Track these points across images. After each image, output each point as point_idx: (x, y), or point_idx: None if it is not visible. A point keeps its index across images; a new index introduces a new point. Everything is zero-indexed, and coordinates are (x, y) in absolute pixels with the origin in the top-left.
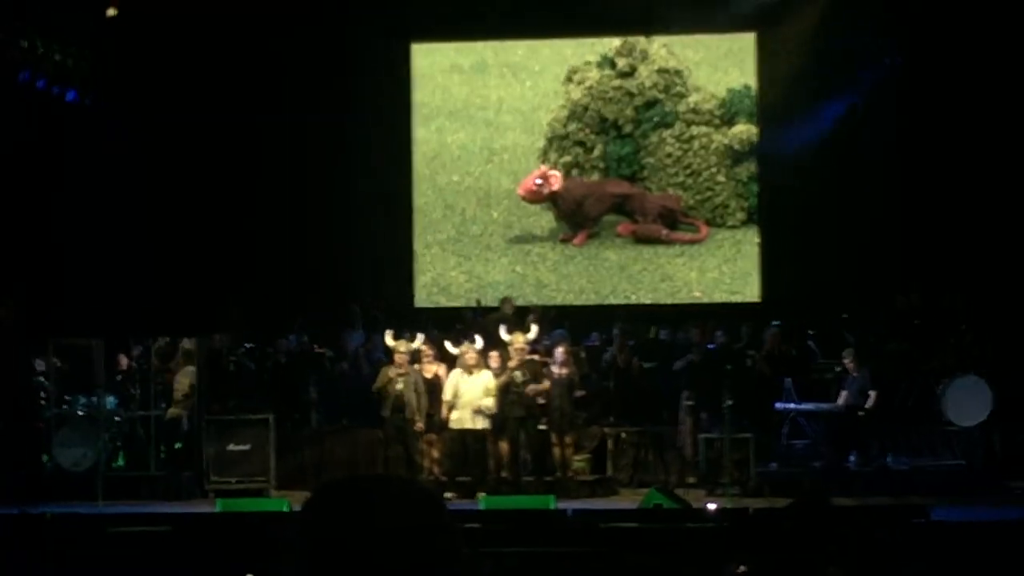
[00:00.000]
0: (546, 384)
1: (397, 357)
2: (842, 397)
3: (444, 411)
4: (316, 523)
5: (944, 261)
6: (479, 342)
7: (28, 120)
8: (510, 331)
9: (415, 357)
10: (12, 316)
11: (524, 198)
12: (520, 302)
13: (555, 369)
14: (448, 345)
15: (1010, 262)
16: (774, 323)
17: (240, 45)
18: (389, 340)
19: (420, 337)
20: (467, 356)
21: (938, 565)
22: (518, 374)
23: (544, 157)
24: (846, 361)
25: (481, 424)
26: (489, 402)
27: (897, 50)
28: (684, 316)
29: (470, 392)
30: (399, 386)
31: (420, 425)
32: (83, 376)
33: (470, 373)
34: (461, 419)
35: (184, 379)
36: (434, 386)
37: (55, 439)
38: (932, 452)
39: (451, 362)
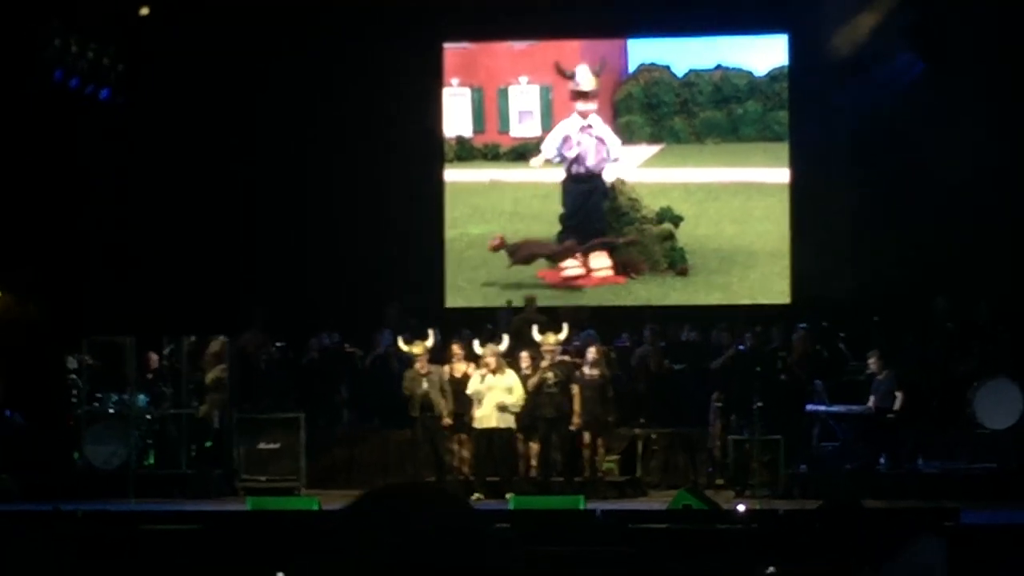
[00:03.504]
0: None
1: (417, 358)
2: (871, 400)
3: (470, 411)
4: (357, 527)
5: (977, 264)
6: (505, 343)
7: (61, 119)
8: (542, 331)
9: (441, 357)
10: (38, 314)
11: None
12: (551, 303)
13: (586, 370)
14: (476, 345)
15: None
16: (800, 325)
17: (274, 44)
18: (402, 345)
19: (432, 335)
20: (486, 357)
21: (968, 569)
22: (550, 375)
23: None
24: (871, 362)
25: (505, 423)
26: (512, 400)
27: (927, 56)
28: (714, 317)
29: (491, 392)
30: (424, 386)
31: (447, 421)
32: (114, 374)
33: (492, 373)
34: (485, 418)
35: (215, 377)
36: (463, 386)
37: (86, 437)
38: (963, 455)
39: (479, 362)
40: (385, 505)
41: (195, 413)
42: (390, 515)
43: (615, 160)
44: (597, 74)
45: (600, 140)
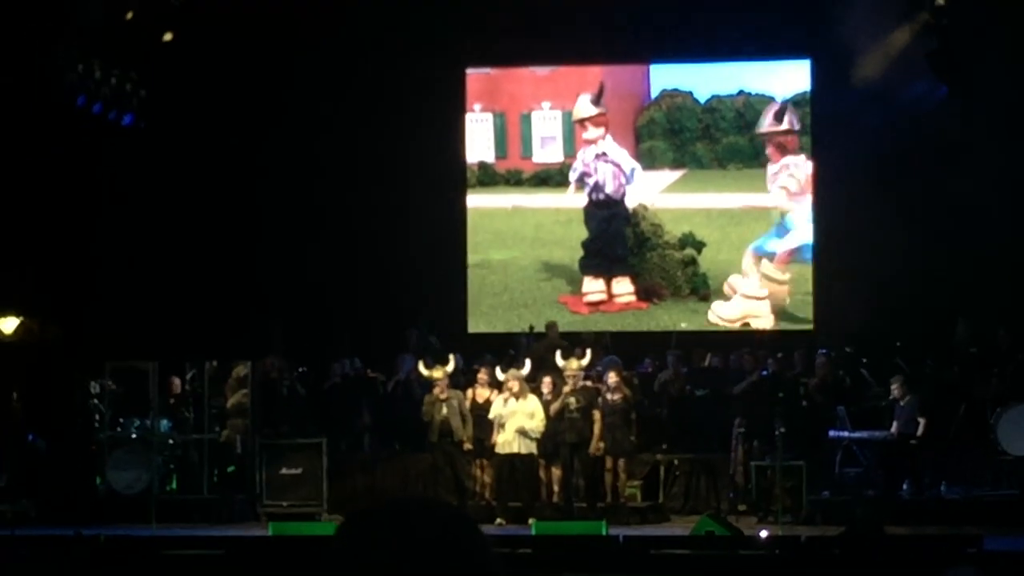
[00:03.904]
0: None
1: (436, 383)
2: (894, 425)
3: (492, 436)
4: (350, 546)
5: (998, 289)
6: (527, 367)
7: (83, 144)
8: (564, 357)
9: (464, 382)
10: (60, 339)
11: None
12: (573, 328)
13: (608, 395)
14: (497, 371)
15: None
16: (821, 351)
17: (295, 69)
18: (423, 370)
19: (452, 360)
20: (509, 382)
21: None
22: (572, 400)
23: None
24: (894, 388)
25: (526, 448)
26: (533, 425)
27: (951, 81)
28: (737, 343)
29: (513, 417)
30: (443, 411)
31: (467, 446)
32: (137, 399)
33: (515, 398)
34: (506, 443)
35: (237, 402)
36: (485, 411)
37: (109, 462)
38: (986, 481)
39: (502, 387)
40: (379, 520)
41: (217, 438)
42: (387, 534)
43: (633, 184)
44: (596, 101)
45: (616, 165)
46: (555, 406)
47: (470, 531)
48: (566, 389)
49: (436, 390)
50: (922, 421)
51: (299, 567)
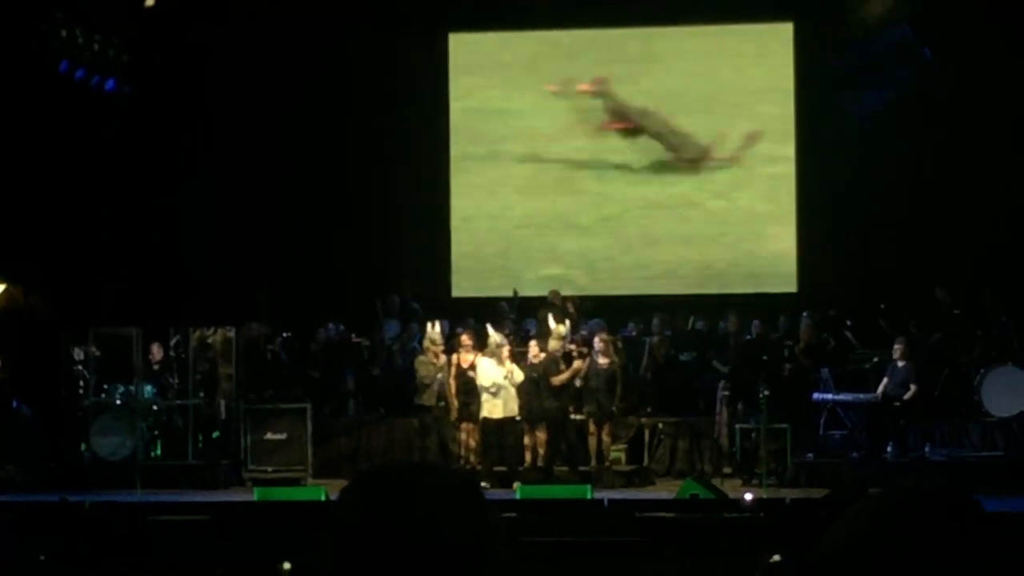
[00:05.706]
0: (564, 372)
1: (432, 347)
2: (882, 385)
3: (477, 400)
4: (353, 509)
5: (981, 252)
6: (494, 333)
7: (66, 109)
8: (551, 323)
9: (448, 346)
10: (44, 305)
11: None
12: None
13: (594, 359)
14: (492, 333)
15: None
16: (804, 314)
17: (277, 34)
18: (430, 330)
19: (438, 325)
20: (494, 346)
21: None
22: (559, 366)
23: None
24: (897, 348)
25: (511, 413)
26: (516, 390)
27: (933, 45)
28: (721, 306)
29: (499, 381)
30: (439, 376)
31: (455, 413)
32: (121, 365)
33: (500, 363)
34: (491, 408)
35: (222, 368)
36: (470, 375)
37: (93, 428)
38: (970, 443)
39: (486, 352)
40: (386, 487)
41: (202, 404)
42: (391, 497)
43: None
44: None
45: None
46: (540, 370)
47: (475, 496)
48: (552, 353)
49: (431, 354)
50: (914, 387)
51: (284, 532)
